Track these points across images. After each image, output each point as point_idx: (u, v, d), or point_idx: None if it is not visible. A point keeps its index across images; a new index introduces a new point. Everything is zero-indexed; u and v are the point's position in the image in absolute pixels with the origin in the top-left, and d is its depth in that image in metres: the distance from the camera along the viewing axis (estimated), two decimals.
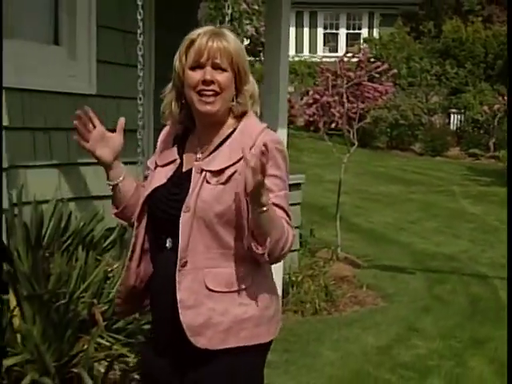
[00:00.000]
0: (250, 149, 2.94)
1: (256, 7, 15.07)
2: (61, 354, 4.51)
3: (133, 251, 3.21)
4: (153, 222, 3.17)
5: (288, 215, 3.04)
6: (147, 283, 3.26)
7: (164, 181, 3.12)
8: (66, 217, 5.53)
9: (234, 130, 3.11)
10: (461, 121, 28.02)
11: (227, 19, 10.77)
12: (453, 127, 28.03)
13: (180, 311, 2.99)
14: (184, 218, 2.98)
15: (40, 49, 6.36)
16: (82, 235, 5.52)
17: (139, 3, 4.35)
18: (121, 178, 3.25)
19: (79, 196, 6.28)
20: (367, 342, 7.47)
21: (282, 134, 8.29)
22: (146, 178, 3.35)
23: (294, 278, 8.70)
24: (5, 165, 5.47)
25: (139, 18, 4.40)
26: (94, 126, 3.20)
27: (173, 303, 3.02)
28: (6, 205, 5.42)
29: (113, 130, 3.22)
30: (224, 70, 3.02)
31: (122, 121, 3.28)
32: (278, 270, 8.40)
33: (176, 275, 3.00)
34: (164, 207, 3.09)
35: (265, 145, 2.77)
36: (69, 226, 5.52)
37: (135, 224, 3.20)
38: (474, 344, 7.68)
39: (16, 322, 4.60)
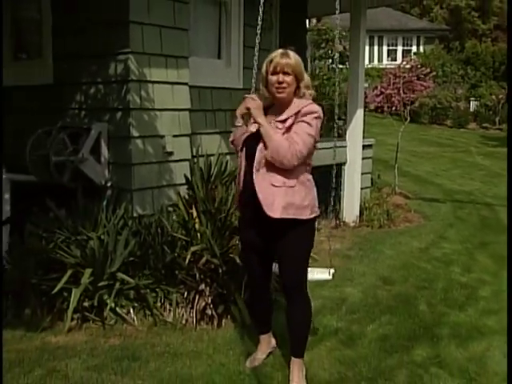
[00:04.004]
0: (298, 112, 3.32)
1: (344, 33, 14.79)
2: (222, 246, 4.63)
3: (240, 168, 3.54)
4: (246, 153, 3.48)
5: (301, 140, 3.29)
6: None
7: (254, 130, 3.43)
8: (224, 164, 5.61)
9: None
10: (477, 105, 26.84)
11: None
12: (471, 109, 26.92)
13: (259, 195, 3.33)
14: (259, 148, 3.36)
15: (209, 62, 6.42)
16: (234, 175, 5.61)
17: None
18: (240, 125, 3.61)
19: (232, 152, 6.29)
20: (413, 245, 7.36)
21: (360, 112, 8.17)
22: None
23: (367, 205, 8.59)
24: (188, 132, 5.63)
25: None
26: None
27: (255, 195, 3.35)
28: (189, 155, 5.58)
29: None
30: (289, 74, 3.38)
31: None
32: (356, 200, 8.39)
33: (255, 180, 3.35)
34: (253, 146, 3.40)
35: None
36: (226, 169, 5.58)
37: (239, 153, 3.56)
38: (482, 246, 7.47)
39: (197, 226, 4.76)
